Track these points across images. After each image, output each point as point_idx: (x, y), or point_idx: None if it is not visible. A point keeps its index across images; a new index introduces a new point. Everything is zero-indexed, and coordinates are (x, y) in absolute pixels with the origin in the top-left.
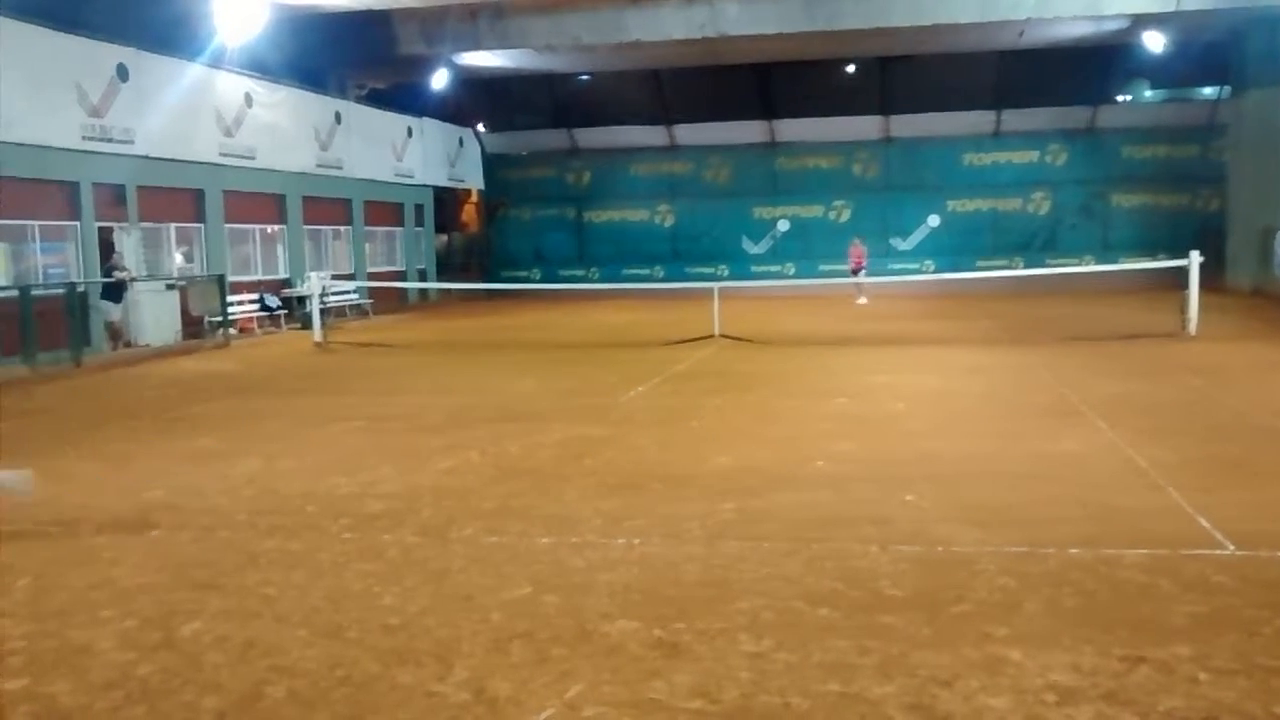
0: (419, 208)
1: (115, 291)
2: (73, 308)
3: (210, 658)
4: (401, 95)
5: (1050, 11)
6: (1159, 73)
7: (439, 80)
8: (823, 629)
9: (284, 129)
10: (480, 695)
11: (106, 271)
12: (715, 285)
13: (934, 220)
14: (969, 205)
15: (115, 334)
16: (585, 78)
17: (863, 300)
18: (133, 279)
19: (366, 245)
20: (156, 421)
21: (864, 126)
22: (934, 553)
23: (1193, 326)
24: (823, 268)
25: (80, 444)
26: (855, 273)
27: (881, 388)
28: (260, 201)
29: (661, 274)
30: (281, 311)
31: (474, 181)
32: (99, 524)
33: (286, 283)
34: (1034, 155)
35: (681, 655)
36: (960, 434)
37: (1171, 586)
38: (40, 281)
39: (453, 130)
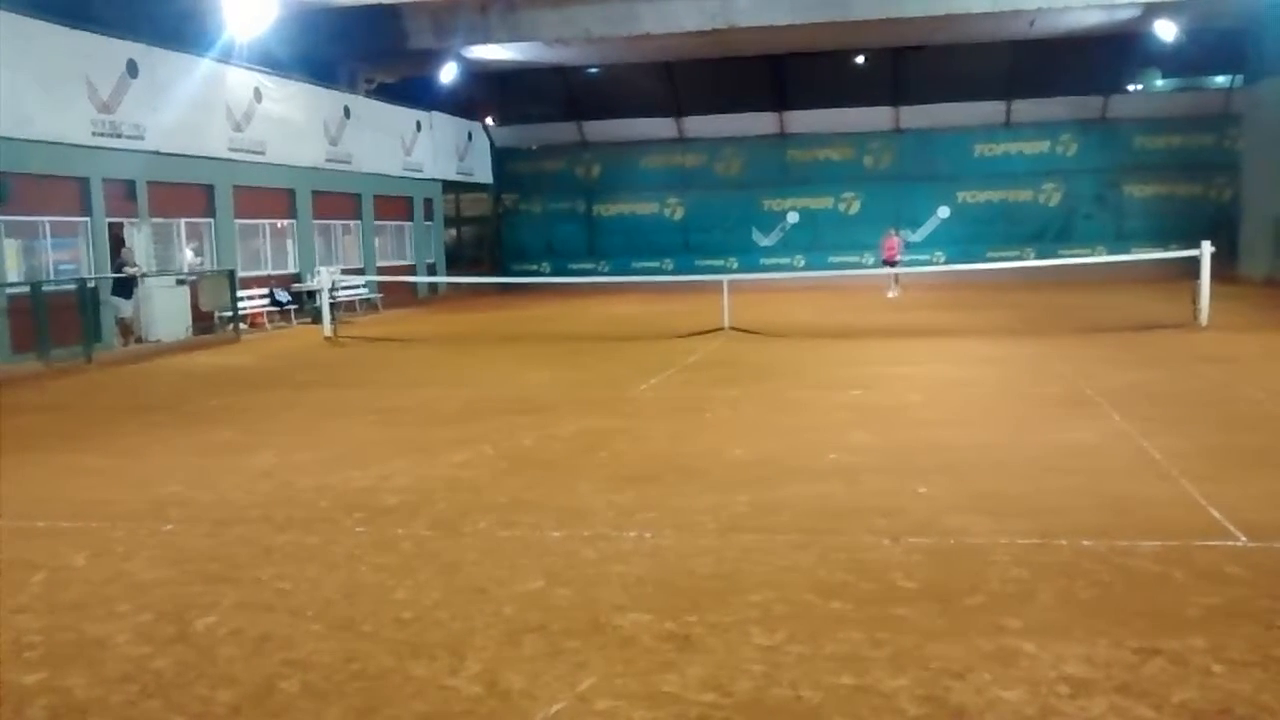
0: (428, 201)
1: (126, 287)
2: (84, 303)
3: (224, 651)
4: (410, 89)
5: (1061, 0)
6: (1171, 61)
7: (448, 74)
8: (835, 621)
9: (293, 123)
10: (493, 688)
11: (117, 267)
12: (725, 278)
13: (944, 211)
14: (980, 196)
15: (126, 329)
16: (595, 70)
17: (892, 294)
18: (143, 274)
19: (376, 239)
20: (170, 416)
21: (875, 117)
22: (947, 544)
23: (1204, 316)
24: (832, 259)
25: (94, 439)
26: (891, 264)
27: (895, 378)
28: (270, 196)
29: (671, 266)
30: (291, 306)
31: (483, 175)
32: (114, 518)
33: (296, 277)
34: (1045, 145)
35: (694, 648)
36: (974, 425)
37: (1185, 577)
38: (52, 277)
39: (462, 124)
